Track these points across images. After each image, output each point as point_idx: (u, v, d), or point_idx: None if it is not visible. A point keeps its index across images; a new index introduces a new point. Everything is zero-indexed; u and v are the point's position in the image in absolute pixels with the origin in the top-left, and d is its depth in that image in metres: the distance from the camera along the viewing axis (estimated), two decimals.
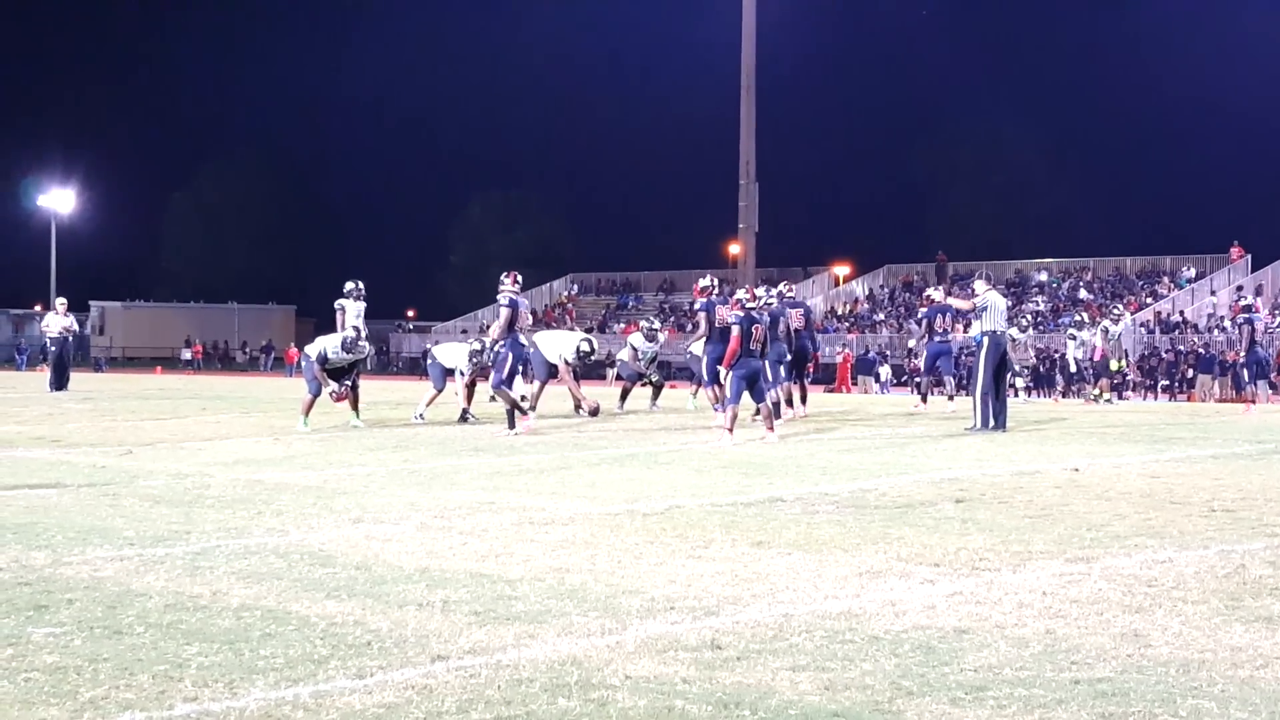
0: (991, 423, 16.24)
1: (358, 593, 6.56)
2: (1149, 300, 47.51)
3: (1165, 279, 49.78)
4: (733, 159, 57.49)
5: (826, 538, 8.19)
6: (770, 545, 7.93)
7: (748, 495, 10.24)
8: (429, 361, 19.26)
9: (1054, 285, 52.07)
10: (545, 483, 11.15)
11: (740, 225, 57.66)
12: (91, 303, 75.80)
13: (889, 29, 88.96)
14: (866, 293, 55.87)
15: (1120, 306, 35.20)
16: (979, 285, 17.51)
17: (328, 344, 17.04)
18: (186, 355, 65.28)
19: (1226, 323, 39.39)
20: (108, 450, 13.86)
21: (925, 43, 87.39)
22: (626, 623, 5.93)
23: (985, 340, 16.43)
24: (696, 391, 21.68)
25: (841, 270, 59.39)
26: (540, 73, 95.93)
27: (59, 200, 65.19)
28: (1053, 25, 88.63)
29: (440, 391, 18.68)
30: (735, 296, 15.56)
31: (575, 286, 64.23)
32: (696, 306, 17.90)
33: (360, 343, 17.07)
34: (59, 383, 26.85)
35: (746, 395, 15.34)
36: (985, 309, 16.72)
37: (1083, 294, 49.73)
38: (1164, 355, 39.29)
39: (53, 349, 27.56)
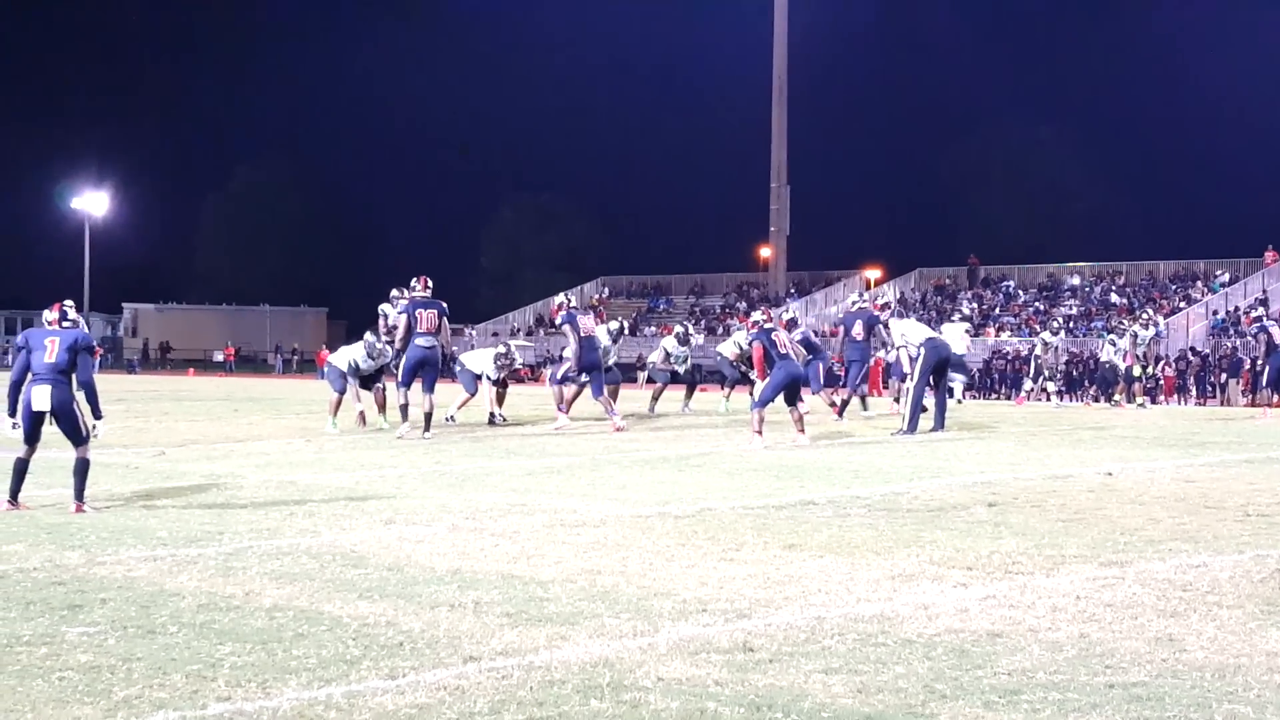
0: (919, 426, 16.41)
1: (390, 594, 6.58)
2: (1182, 304, 47.18)
3: (1198, 283, 49.41)
4: (764, 162, 57.47)
5: (859, 541, 8.17)
6: (802, 548, 7.91)
7: (779, 498, 10.21)
8: (458, 369, 19.31)
9: (1086, 289, 51.75)
10: (576, 485, 11.15)
11: (771, 228, 57.60)
12: (125, 305, 76.39)
13: (921, 32, 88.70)
14: (898, 296, 55.64)
15: (1150, 311, 34.94)
16: (893, 325, 18.45)
17: (355, 355, 17.26)
18: (219, 357, 65.66)
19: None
20: (141, 451, 13.94)
21: (958, 46, 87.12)
22: (658, 625, 5.92)
23: (923, 349, 16.72)
24: (729, 395, 21.70)
25: (872, 274, 59.19)
26: (571, 77, 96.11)
27: (93, 203, 65.69)
28: (1086, 28, 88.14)
29: (472, 395, 18.74)
30: (752, 319, 16.03)
31: (606, 289, 64.22)
32: (559, 321, 18.26)
33: (379, 346, 17.26)
34: None
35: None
36: (908, 338, 17.25)
37: (1115, 298, 49.42)
38: (1191, 360, 38.98)
39: None
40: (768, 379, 15.17)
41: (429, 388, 15.96)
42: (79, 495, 9.55)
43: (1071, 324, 46.04)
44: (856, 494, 10.45)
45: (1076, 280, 52.87)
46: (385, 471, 12.16)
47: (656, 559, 7.54)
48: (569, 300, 19.99)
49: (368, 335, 17.96)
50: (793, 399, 15.35)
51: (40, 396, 9.53)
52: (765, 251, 60.31)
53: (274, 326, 77.38)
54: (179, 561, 7.44)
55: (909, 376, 16.98)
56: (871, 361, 21.38)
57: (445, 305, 16.39)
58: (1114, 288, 51.00)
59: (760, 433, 14.75)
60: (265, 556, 7.59)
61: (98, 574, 7.08)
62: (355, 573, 7.11)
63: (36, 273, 78.32)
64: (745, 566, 7.32)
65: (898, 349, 17.61)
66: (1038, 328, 45.59)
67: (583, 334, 17.45)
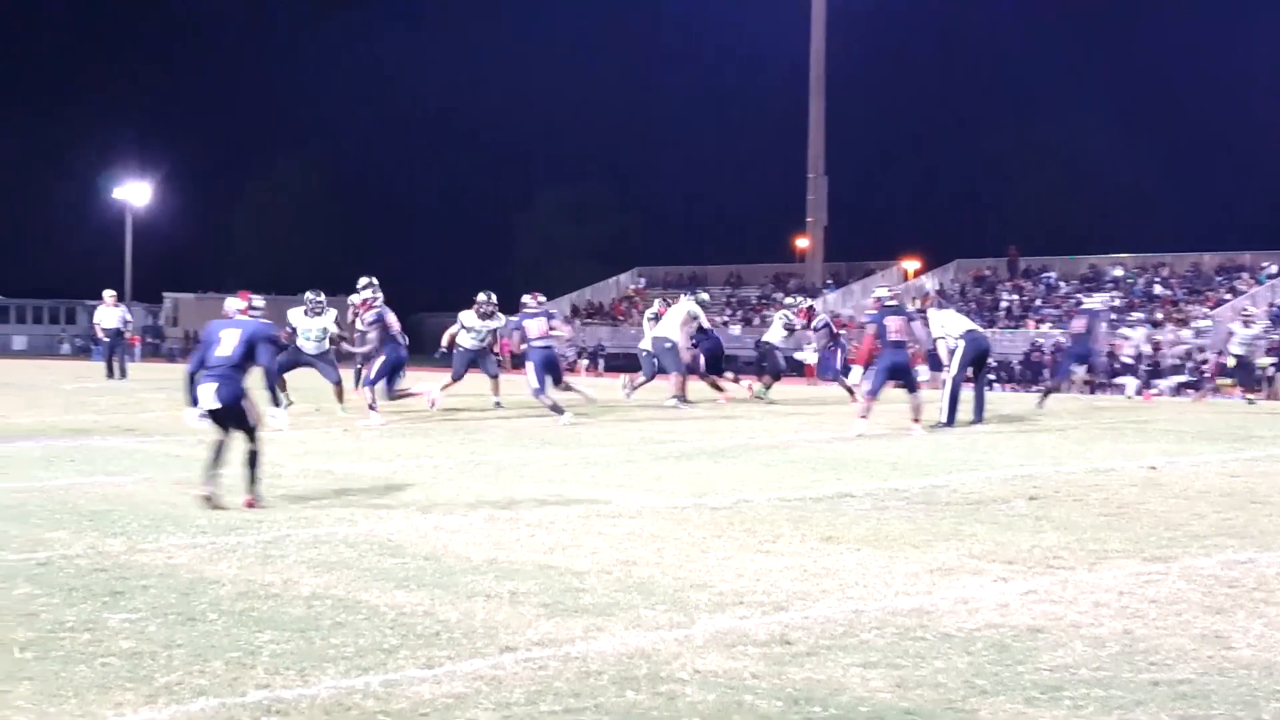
0: (956, 418, 16.44)
1: (427, 583, 6.59)
2: (1227, 296, 46.72)
3: (1245, 275, 48.88)
4: (800, 151, 57.22)
5: (897, 534, 8.12)
6: (840, 541, 7.87)
7: (816, 490, 10.17)
8: (456, 352, 19.62)
9: (1129, 281, 51.30)
10: (612, 476, 11.14)
11: (808, 219, 57.36)
12: (165, 294, 76.95)
13: (959, 18, 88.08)
14: (937, 287, 55.34)
15: (1251, 306, 34.39)
16: (932, 315, 18.22)
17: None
18: None
19: None
20: (181, 439, 14.02)
21: (996, 32, 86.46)
22: (695, 617, 5.90)
23: (962, 341, 16.69)
24: (769, 384, 21.82)
25: (911, 265, 58.87)
26: (606, 66, 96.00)
27: (134, 193, 66.15)
28: (1127, 12, 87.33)
29: (456, 380, 19.13)
30: (875, 294, 16.31)
31: (642, 280, 64.20)
32: (369, 319, 17.97)
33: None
34: (121, 372, 27.15)
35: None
36: (947, 329, 17.21)
37: (1159, 290, 48.98)
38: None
39: (107, 340, 27.69)
40: (874, 367, 15.33)
41: (556, 382, 17.46)
42: (249, 488, 9.10)
43: (1114, 317, 45.67)
44: (895, 486, 10.39)
45: (1119, 272, 52.39)
46: (422, 461, 12.19)
47: (693, 551, 7.52)
48: (376, 295, 18.26)
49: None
50: (909, 387, 15.45)
51: (205, 395, 9.11)
52: (802, 242, 60.11)
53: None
54: (219, 549, 7.48)
55: (947, 368, 16.91)
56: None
57: (554, 313, 18.49)
58: (1158, 279, 50.54)
59: (865, 416, 15.01)
60: (303, 545, 7.61)
61: (139, 561, 7.12)
62: (392, 562, 7.13)
63: (79, 262, 78.99)
64: (782, 559, 7.29)
65: (935, 340, 17.55)
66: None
67: (393, 331, 17.47)
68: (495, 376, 19.34)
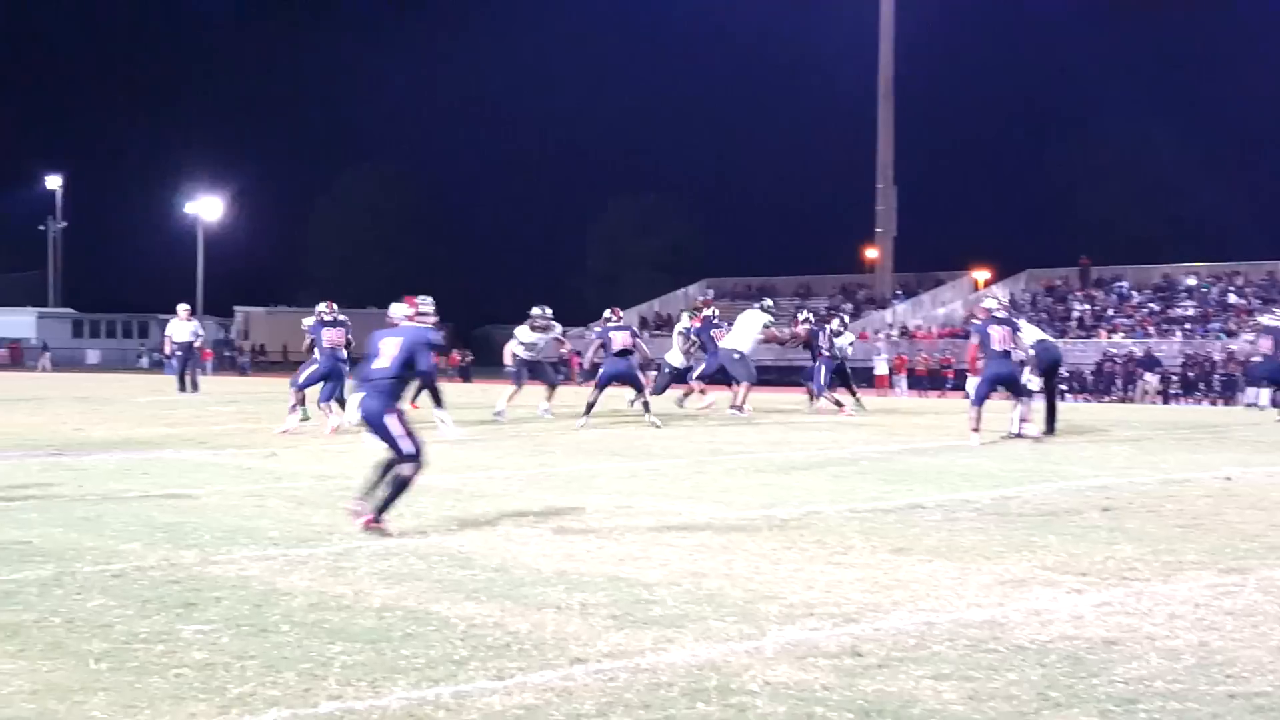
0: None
1: (497, 594, 6.61)
2: None
3: None
4: (869, 162, 56.91)
5: (968, 545, 8.04)
6: (911, 552, 7.81)
7: (887, 501, 10.10)
8: (513, 365, 19.83)
9: (1204, 290, 50.49)
10: (680, 487, 11.13)
11: (877, 229, 57.02)
12: (236, 308, 77.94)
13: (1028, 24, 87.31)
14: (1008, 297, 54.76)
15: None
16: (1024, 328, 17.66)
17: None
18: None
19: None
20: (253, 452, 14.20)
21: (1066, 38, 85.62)
22: (765, 628, 5.88)
23: (1034, 351, 16.52)
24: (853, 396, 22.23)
25: (981, 275, 58.29)
26: (675, 77, 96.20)
27: (206, 207, 67.11)
28: (1198, 19, 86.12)
29: (519, 389, 19.32)
30: (983, 304, 16.43)
31: (710, 291, 64.10)
32: (304, 327, 17.93)
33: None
34: (193, 385, 27.54)
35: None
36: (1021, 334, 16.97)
37: (1233, 299, 48.16)
38: None
39: (179, 353, 28.07)
40: (980, 376, 15.36)
41: (636, 389, 18.43)
42: (379, 508, 8.44)
43: (1188, 325, 44.97)
44: (966, 497, 10.30)
45: (1193, 281, 51.59)
46: (491, 473, 12.25)
47: (762, 562, 7.49)
48: (324, 311, 17.87)
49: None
50: (1014, 393, 15.55)
51: (351, 406, 8.87)
52: (871, 252, 59.74)
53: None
54: (290, 561, 7.56)
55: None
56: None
57: (635, 328, 20.37)
58: (1232, 288, 49.70)
59: (977, 430, 14.94)
60: (374, 557, 7.67)
61: (212, 573, 7.21)
62: (462, 573, 7.16)
63: (152, 277, 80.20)
64: (853, 570, 7.25)
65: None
66: (1151, 330, 44.62)
67: (326, 345, 17.31)
68: (554, 386, 19.55)
